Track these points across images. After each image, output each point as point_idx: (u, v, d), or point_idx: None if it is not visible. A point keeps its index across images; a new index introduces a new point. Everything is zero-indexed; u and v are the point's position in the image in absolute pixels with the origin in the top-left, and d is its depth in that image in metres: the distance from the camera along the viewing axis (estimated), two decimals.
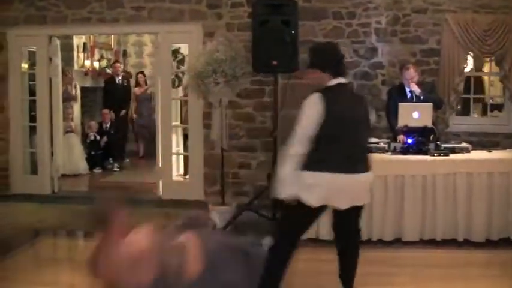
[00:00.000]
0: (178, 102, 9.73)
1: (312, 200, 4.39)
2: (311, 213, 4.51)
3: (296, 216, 4.55)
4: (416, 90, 7.28)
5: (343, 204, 4.49)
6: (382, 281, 5.42)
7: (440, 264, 5.98)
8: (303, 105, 4.44)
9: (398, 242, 6.57)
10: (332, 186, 4.40)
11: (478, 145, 7.62)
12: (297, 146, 4.38)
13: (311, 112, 4.37)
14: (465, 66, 8.41)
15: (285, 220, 4.74)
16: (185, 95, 9.64)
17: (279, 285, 4.58)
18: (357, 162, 4.51)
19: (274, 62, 7.17)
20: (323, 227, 6.25)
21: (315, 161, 4.38)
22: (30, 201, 8.76)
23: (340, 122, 4.40)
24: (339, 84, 4.57)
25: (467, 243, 6.53)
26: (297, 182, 4.37)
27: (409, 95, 7.39)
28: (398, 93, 7.48)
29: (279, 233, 4.68)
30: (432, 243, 6.55)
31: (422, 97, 7.25)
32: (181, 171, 9.68)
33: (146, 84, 13.05)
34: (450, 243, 6.53)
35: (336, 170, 4.38)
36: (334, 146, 4.40)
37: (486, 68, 9.32)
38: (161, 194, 9.04)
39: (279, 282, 4.57)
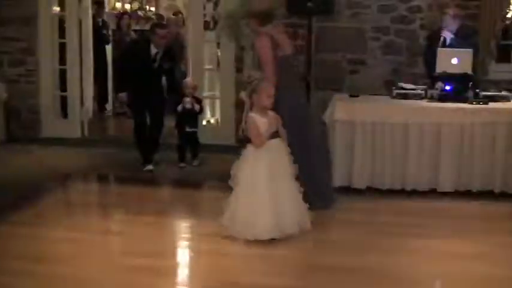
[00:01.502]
0: (215, 45, 9.46)
1: None
2: None
3: None
4: (447, 36, 7.02)
5: None
6: (424, 233, 5.25)
7: (480, 217, 5.85)
8: None
9: (432, 193, 6.36)
10: None
11: None
12: None
13: None
14: (508, 11, 8.07)
15: None
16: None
17: None
18: None
19: (310, 4, 6.95)
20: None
21: None
22: (61, 144, 8.69)
23: None
24: None
25: (504, 196, 6.30)
26: None
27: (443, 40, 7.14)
28: (437, 39, 7.21)
29: None
30: (467, 194, 6.34)
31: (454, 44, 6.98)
32: (218, 115, 9.42)
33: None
34: (486, 195, 6.31)
35: None
36: None
37: None
38: None
39: None
